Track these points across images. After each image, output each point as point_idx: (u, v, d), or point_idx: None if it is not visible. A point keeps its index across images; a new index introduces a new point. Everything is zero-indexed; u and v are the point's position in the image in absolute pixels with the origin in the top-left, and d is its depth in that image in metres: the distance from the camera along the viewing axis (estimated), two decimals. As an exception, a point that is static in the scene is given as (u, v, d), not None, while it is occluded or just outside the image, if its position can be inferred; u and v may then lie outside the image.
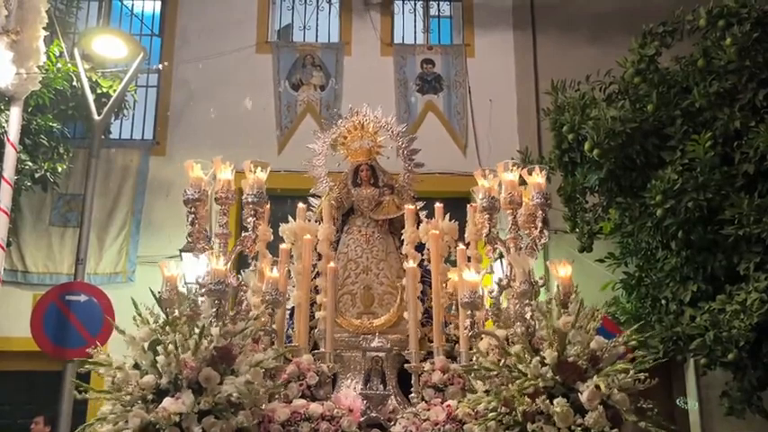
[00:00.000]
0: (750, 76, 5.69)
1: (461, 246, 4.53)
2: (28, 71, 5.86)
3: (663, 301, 6.06)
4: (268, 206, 4.38)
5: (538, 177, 4.23)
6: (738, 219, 5.34)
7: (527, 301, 3.85)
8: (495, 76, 8.88)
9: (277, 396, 3.95)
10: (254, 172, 4.10)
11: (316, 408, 3.86)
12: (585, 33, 8.80)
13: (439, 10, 9.63)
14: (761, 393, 5.73)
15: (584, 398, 3.30)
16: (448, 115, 8.79)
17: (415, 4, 9.50)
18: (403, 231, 4.85)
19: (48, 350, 6.20)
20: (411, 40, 9.29)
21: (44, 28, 6.02)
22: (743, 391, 5.73)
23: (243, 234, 4.08)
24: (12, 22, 5.66)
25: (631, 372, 3.41)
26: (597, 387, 3.30)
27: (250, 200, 4.06)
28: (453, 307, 4.50)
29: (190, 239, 3.95)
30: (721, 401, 5.95)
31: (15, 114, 5.91)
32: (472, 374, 3.80)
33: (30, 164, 7.09)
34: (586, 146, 6.04)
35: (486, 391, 3.60)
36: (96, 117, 7.32)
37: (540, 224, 4.15)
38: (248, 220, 4.07)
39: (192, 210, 3.96)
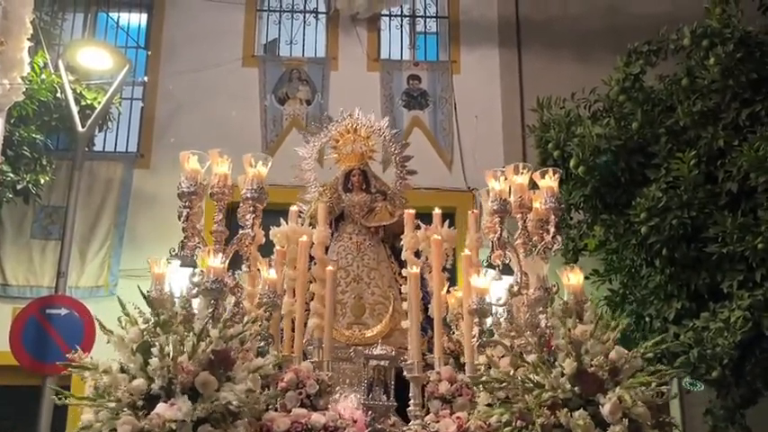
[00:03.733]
0: (733, 96, 5.75)
1: (467, 251, 4.34)
2: (11, 82, 5.81)
3: (647, 319, 6.07)
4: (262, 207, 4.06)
5: (551, 180, 4.05)
6: (722, 237, 5.38)
7: (541, 309, 3.69)
8: (480, 93, 8.90)
9: (271, 406, 3.71)
10: (255, 166, 3.88)
11: (318, 418, 3.67)
12: (571, 51, 8.86)
13: (425, 27, 9.65)
14: (744, 411, 5.75)
15: (605, 410, 3.15)
16: (434, 131, 8.80)
17: (402, 21, 9.52)
18: (395, 239, 4.67)
19: (27, 365, 6.11)
20: (397, 56, 9.29)
21: (29, 39, 5.97)
22: (726, 409, 5.74)
23: (240, 232, 3.83)
24: (-4, 33, 5.62)
25: (653, 384, 3.26)
26: (620, 399, 3.14)
27: (249, 195, 3.82)
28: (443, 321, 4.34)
29: (183, 239, 3.72)
30: (705, 419, 5.96)
31: (-2, 125, 5.86)
32: (478, 386, 3.60)
33: (11, 175, 7.00)
34: (571, 163, 6.06)
35: (489, 404, 3.45)
36: (80, 129, 7.27)
37: (552, 229, 3.97)
38: (246, 217, 3.83)
39: (187, 204, 3.72)
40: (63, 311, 6.25)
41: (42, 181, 7.37)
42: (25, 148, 7.23)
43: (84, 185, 7.74)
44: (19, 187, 7.13)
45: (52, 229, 8.00)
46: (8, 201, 7.19)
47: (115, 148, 8.59)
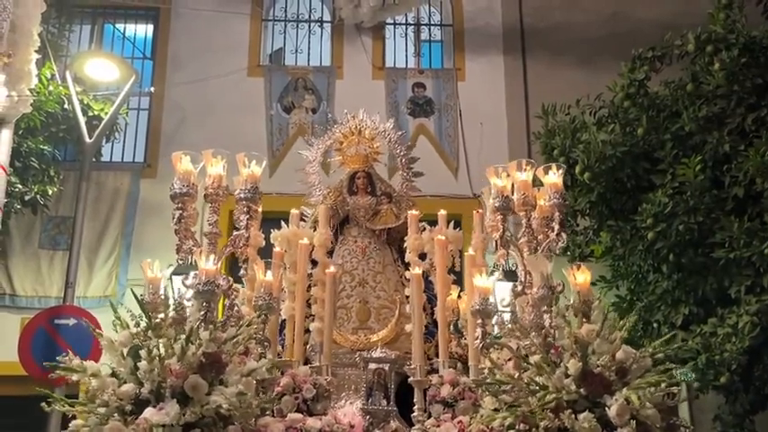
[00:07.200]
0: (738, 101, 5.75)
1: (471, 251, 4.24)
2: (19, 94, 5.86)
3: (654, 325, 6.06)
4: (260, 210, 3.99)
5: (555, 177, 3.94)
6: (729, 242, 5.37)
7: (545, 308, 3.59)
8: (485, 100, 8.92)
9: (269, 411, 3.61)
10: (248, 166, 3.81)
11: (313, 423, 3.58)
12: (575, 58, 8.87)
13: (430, 34, 9.70)
14: (753, 417, 5.73)
15: (612, 412, 3.03)
16: (439, 138, 8.82)
17: (407, 29, 9.56)
18: (401, 241, 4.61)
19: (35, 375, 6.12)
20: (402, 64, 9.33)
21: (36, 51, 6.03)
22: (735, 415, 5.73)
23: (234, 233, 3.77)
24: (3, 45, 5.64)
25: (663, 385, 3.13)
26: (627, 401, 3.01)
27: (243, 196, 3.75)
28: (452, 326, 4.29)
29: (176, 243, 3.62)
30: (714, 425, 5.94)
31: (6, 137, 5.89)
32: (482, 389, 3.48)
33: (20, 186, 7.05)
34: (577, 169, 6.06)
35: (496, 409, 3.33)
36: (87, 140, 7.32)
37: (556, 226, 3.86)
38: (240, 218, 3.77)
39: (180, 206, 3.65)
40: (71, 321, 6.27)
41: (50, 192, 7.41)
42: (33, 159, 7.28)
43: (92, 196, 7.80)
44: (27, 198, 7.18)
45: (60, 240, 8.04)
46: (16, 212, 7.23)
47: (122, 159, 8.64)
